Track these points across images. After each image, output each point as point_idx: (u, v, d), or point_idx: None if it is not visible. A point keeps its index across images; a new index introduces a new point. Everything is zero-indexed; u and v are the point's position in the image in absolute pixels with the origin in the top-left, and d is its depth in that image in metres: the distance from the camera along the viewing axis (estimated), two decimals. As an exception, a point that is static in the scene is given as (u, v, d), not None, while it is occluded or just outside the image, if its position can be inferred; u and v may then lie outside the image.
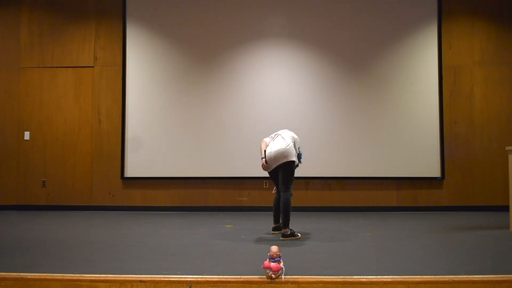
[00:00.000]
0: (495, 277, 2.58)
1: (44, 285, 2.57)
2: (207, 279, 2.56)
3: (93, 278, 2.59)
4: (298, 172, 4.96)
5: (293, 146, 4.36)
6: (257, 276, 2.58)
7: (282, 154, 4.24)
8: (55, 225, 5.05)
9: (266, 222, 5.13)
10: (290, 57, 6.51)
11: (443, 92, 6.43)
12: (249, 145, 6.25)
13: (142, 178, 6.47)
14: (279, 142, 4.32)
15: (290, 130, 4.59)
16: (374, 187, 6.41)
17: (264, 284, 2.53)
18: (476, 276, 2.59)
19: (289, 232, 4.14)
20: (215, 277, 2.58)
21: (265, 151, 4.35)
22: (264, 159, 4.31)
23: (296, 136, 4.51)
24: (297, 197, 6.27)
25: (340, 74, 6.48)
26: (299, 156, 4.46)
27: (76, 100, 6.60)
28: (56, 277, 2.60)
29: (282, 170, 4.27)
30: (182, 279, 2.57)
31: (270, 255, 2.55)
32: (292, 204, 4.31)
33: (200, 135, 6.46)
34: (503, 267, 2.92)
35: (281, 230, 4.24)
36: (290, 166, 4.26)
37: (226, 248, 3.63)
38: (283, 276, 2.53)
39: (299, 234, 4.24)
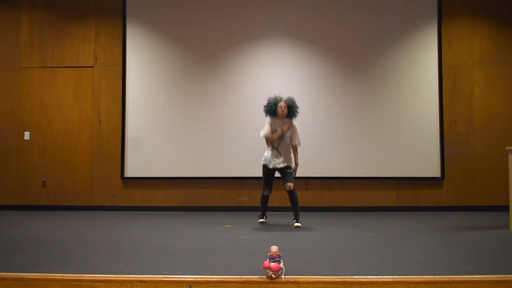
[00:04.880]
0: (495, 277, 2.58)
1: (44, 285, 2.57)
2: (207, 279, 2.56)
3: (93, 278, 2.58)
4: (298, 172, 5.01)
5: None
6: (257, 276, 2.57)
7: (287, 160, 4.90)
8: (55, 225, 5.05)
9: (266, 222, 5.13)
10: (290, 57, 6.51)
11: (443, 92, 6.43)
12: (249, 145, 6.25)
13: (142, 178, 6.47)
14: (287, 146, 4.93)
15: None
16: (374, 187, 6.41)
17: (264, 284, 2.53)
18: (476, 276, 2.59)
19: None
20: (215, 277, 2.58)
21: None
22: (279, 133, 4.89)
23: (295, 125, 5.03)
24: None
25: (340, 74, 6.49)
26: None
27: (76, 100, 6.60)
28: (56, 277, 2.60)
29: (286, 172, 4.87)
30: (182, 279, 2.56)
31: (270, 255, 2.55)
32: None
33: (200, 135, 6.46)
34: (503, 267, 2.92)
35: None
36: (291, 168, 4.93)
37: (226, 248, 3.63)
38: (283, 276, 2.53)
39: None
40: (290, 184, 4.79)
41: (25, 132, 6.59)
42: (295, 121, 4.98)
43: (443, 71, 6.45)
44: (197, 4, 6.58)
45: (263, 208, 5.14)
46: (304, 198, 6.37)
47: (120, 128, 6.50)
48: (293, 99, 4.96)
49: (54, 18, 6.66)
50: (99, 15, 6.64)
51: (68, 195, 6.52)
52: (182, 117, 6.49)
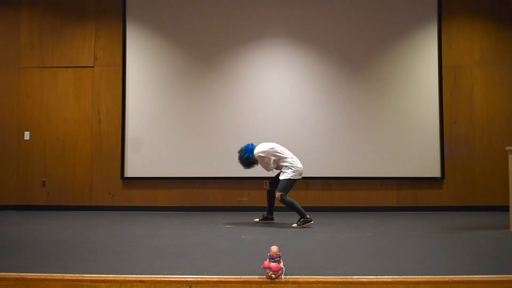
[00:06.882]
0: (495, 277, 2.58)
1: (44, 285, 2.57)
2: (207, 279, 2.56)
3: (93, 278, 2.58)
4: (298, 172, 5.00)
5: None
6: (257, 276, 2.57)
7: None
8: (55, 225, 5.05)
9: (266, 222, 5.13)
10: (289, 57, 6.51)
11: (443, 92, 6.43)
12: (249, 145, 6.25)
13: (142, 178, 6.47)
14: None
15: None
16: (374, 187, 6.41)
17: (264, 284, 2.53)
18: (476, 276, 2.59)
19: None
20: (215, 277, 2.58)
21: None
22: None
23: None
24: (297, 197, 6.23)
25: (340, 74, 6.48)
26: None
27: (76, 100, 6.60)
28: (56, 277, 2.60)
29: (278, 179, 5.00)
30: (182, 279, 2.56)
31: (270, 255, 2.55)
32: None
33: (200, 135, 6.46)
34: (503, 267, 2.92)
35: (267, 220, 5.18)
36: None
37: (226, 248, 3.63)
38: (283, 276, 2.53)
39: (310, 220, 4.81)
40: (277, 194, 4.88)
41: (25, 132, 6.58)
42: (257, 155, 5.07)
43: (443, 71, 6.45)
44: (197, 4, 6.58)
45: (267, 205, 5.21)
46: (304, 198, 6.36)
47: (120, 128, 6.50)
48: (239, 155, 5.13)
49: (54, 18, 6.66)
50: (99, 15, 6.64)
51: (68, 195, 6.51)
52: (182, 117, 6.49)
